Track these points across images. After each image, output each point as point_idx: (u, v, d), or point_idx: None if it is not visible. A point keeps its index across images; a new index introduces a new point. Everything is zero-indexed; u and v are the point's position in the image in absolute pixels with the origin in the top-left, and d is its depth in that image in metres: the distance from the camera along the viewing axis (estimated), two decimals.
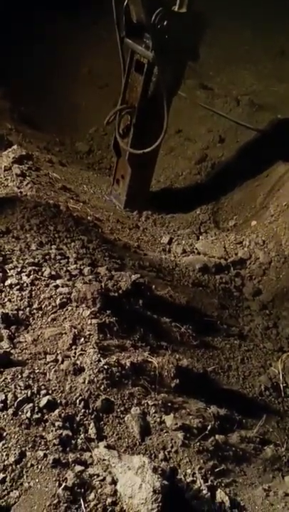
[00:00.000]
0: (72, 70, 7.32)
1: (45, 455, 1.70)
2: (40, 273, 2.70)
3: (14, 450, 1.70)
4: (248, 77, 6.25)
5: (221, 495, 1.79)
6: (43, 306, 2.48)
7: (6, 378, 1.96)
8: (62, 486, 1.57)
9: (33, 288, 2.57)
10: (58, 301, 2.50)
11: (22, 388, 1.93)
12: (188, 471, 1.85)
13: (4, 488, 1.60)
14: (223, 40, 6.92)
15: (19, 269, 2.68)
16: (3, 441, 1.73)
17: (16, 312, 2.40)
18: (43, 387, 1.97)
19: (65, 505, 1.55)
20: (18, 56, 7.11)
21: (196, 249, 4.36)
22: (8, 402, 1.86)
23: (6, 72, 6.80)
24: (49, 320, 2.42)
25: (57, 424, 1.83)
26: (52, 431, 1.80)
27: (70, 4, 7.34)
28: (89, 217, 3.87)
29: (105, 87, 7.09)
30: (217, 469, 1.93)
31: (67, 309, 2.48)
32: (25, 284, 2.57)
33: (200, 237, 4.63)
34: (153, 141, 4.18)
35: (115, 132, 4.48)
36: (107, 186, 5.12)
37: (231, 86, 6.22)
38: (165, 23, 3.71)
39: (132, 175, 4.63)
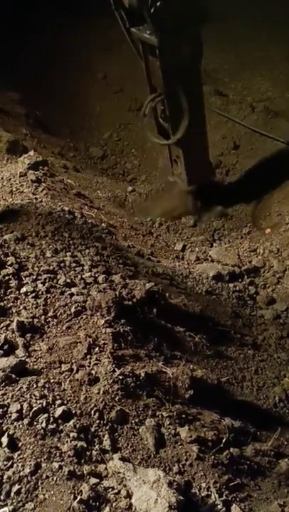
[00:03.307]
0: (87, 75, 7.37)
1: (60, 467, 1.70)
2: (55, 281, 2.71)
3: (30, 461, 1.70)
4: (263, 84, 6.23)
5: (236, 510, 1.77)
6: (58, 314, 2.49)
7: (21, 387, 1.97)
8: (78, 499, 1.57)
9: (49, 296, 2.58)
10: (72, 310, 2.51)
11: (37, 398, 1.93)
12: (203, 485, 1.84)
13: (20, 499, 1.60)
14: (238, 46, 6.91)
15: (34, 277, 2.69)
16: (19, 452, 1.73)
17: (31, 320, 2.41)
18: (58, 397, 1.97)
19: None
20: (33, 62, 7.18)
21: (210, 256, 4.34)
22: (24, 411, 1.87)
23: (21, 77, 6.87)
24: (64, 328, 2.42)
25: (72, 435, 1.82)
26: (67, 442, 1.80)
27: (83, 9, 7.38)
28: (103, 224, 3.88)
29: (120, 91, 7.13)
30: (232, 483, 1.91)
31: (82, 318, 2.49)
32: (40, 292, 2.58)
33: (214, 245, 4.62)
34: (193, 119, 4.12)
35: (156, 120, 4.44)
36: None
37: (246, 92, 6.20)
38: (159, 2, 3.56)
39: (185, 155, 4.64)
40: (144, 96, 6.60)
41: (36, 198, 3.64)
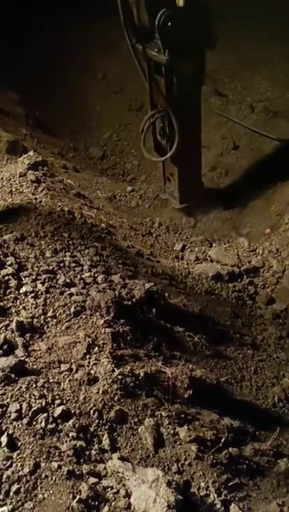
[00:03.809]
0: (87, 75, 7.37)
1: (59, 466, 1.70)
2: (54, 281, 2.72)
3: (29, 461, 1.70)
4: (263, 84, 6.23)
5: (234, 510, 1.77)
6: (57, 314, 2.49)
7: (20, 387, 1.97)
8: (77, 499, 1.58)
9: (48, 296, 2.58)
10: (72, 310, 2.51)
11: (37, 398, 1.94)
12: (202, 484, 1.84)
13: (19, 499, 1.61)
14: (238, 46, 6.91)
15: (34, 277, 2.69)
16: (18, 452, 1.74)
17: (30, 320, 2.41)
18: (57, 396, 1.98)
19: None
20: (33, 62, 7.18)
21: (209, 256, 4.35)
22: (23, 411, 1.87)
23: (21, 78, 6.87)
24: (63, 328, 2.42)
25: (71, 434, 1.83)
26: (66, 441, 1.80)
27: (83, 9, 7.38)
28: (102, 224, 3.88)
29: (120, 92, 7.13)
30: (231, 483, 1.91)
31: (81, 317, 2.49)
32: (40, 292, 2.59)
33: (213, 245, 4.63)
34: (189, 139, 4.19)
35: (154, 136, 4.53)
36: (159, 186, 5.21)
37: (246, 92, 6.21)
38: (170, 23, 3.65)
39: (179, 172, 4.69)
40: (144, 95, 6.64)
41: (36, 198, 3.64)
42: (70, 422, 1.88)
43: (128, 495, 1.63)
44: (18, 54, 7.21)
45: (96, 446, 1.85)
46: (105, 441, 1.87)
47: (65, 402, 1.97)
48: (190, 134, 4.24)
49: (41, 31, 7.41)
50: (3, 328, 2.34)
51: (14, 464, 1.71)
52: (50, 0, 7.36)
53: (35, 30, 7.37)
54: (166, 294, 3.12)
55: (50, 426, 1.85)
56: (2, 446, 1.76)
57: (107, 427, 1.93)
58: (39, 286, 2.62)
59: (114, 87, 7.15)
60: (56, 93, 7.02)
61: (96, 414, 1.95)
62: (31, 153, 4.27)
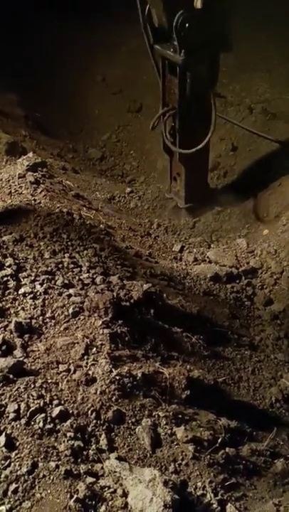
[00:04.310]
0: (86, 77, 7.39)
1: (57, 466, 1.72)
2: (53, 282, 2.73)
3: (27, 460, 1.72)
4: (261, 85, 6.24)
5: (231, 509, 1.79)
6: (55, 315, 2.51)
7: (19, 387, 1.99)
8: (74, 498, 1.59)
9: (46, 297, 2.60)
10: (70, 310, 2.52)
11: (35, 398, 1.95)
12: (199, 484, 1.85)
13: (17, 498, 1.62)
14: (237, 48, 6.90)
15: (33, 278, 2.71)
16: (16, 451, 1.75)
17: (29, 321, 2.43)
18: (55, 397, 1.99)
19: None
20: (32, 63, 7.20)
21: (208, 257, 4.36)
22: (21, 411, 1.89)
23: (21, 78, 6.89)
24: (62, 329, 2.44)
25: (69, 434, 1.84)
26: (64, 441, 1.82)
27: (83, 11, 7.41)
28: (101, 225, 3.90)
29: (119, 93, 7.15)
30: (227, 483, 1.92)
31: (79, 318, 2.51)
32: (38, 293, 2.60)
33: (211, 246, 4.64)
34: (200, 138, 4.27)
35: (163, 135, 4.58)
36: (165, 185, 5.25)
37: (244, 94, 6.22)
38: (187, 25, 3.73)
39: (186, 172, 4.74)
40: (143, 97, 6.67)
41: (35, 200, 3.65)
42: (68, 422, 1.89)
43: (125, 494, 1.64)
44: (17, 55, 7.23)
45: (94, 446, 1.87)
46: (103, 441, 1.89)
47: (63, 402, 1.98)
48: (200, 135, 4.28)
49: (41, 31, 7.43)
50: (2, 328, 2.35)
51: (12, 464, 1.72)
52: (50, 1, 7.39)
53: (35, 31, 7.39)
54: (165, 295, 3.13)
55: (48, 426, 1.86)
56: (0, 446, 1.77)
57: (104, 427, 1.94)
58: (38, 287, 2.64)
59: (113, 89, 7.17)
60: (56, 94, 7.05)
61: (94, 414, 1.96)
62: (30, 154, 4.29)
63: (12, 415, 1.88)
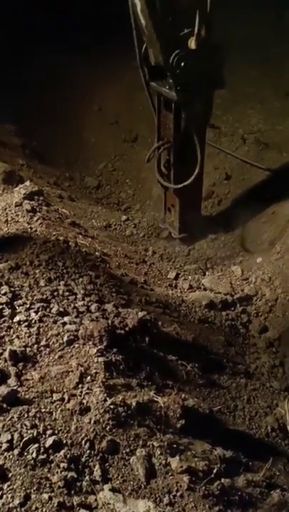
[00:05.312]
0: (84, 107, 7.56)
1: (50, 498, 1.69)
2: (48, 309, 2.74)
3: (19, 492, 1.69)
4: (254, 117, 6.40)
5: None
6: (50, 343, 2.50)
7: (12, 417, 1.97)
8: None
9: (41, 325, 2.60)
10: (65, 339, 2.52)
11: (28, 428, 1.94)
12: None
13: None
14: (230, 80, 7.10)
15: (28, 306, 2.72)
16: (8, 483, 1.73)
17: (23, 349, 2.42)
18: (49, 426, 1.97)
19: None
20: (30, 92, 7.37)
21: (203, 284, 4.38)
22: (14, 442, 1.87)
23: (19, 108, 7.04)
24: (56, 357, 2.43)
25: (62, 465, 1.82)
26: (57, 472, 1.79)
27: (82, 41, 7.63)
28: (97, 253, 3.93)
29: (115, 123, 7.30)
30: None
31: (74, 347, 2.51)
32: (33, 321, 2.61)
33: (206, 273, 4.67)
34: (193, 171, 4.39)
35: (156, 170, 4.71)
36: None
37: (238, 125, 6.37)
38: (183, 64, 3.86)
39: (180, 204, 4.84)
40: (139, 127, 6.81)
41: (31, 228, 3.69)
42: (62, 453, 1.87)
43: None
44: (14, 86, 7.40)
45: (87, 477, 1.84)
46: (97, 472, 1.87)
47: (56, 432, 1.97)
48: (194, 168, 4.39)
49: (40, 60, 7.62)
50: None
51: (4, 496, 1.70)
52: (47, 34, 7.61)
53: (34, 65, 7.59)
54: (160, 323, 3.14)
55: (41, 456, 1.84)
56: None
57: (98, 458, 1.92)
58: (33, 315, 2.64)
59: (110, 119, 7.32)
60: (53, 124, 7.19)
61: (88, 444, 1.94)
62: (27, 183, 4.35)
63: (5, 445, 1.86)
